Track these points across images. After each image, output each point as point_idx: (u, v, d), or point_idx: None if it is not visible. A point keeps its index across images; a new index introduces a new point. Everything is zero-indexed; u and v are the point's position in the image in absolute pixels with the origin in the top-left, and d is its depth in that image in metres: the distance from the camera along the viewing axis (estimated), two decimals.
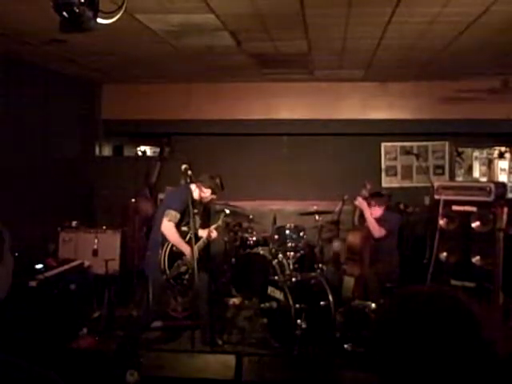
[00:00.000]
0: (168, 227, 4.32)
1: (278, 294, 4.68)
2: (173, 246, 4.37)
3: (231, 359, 3.51)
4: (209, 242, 4.91)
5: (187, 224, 4.51)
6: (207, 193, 4.59)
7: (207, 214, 6.03)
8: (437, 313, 1.03)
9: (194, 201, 4.50)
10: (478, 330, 1.02)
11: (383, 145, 7.21)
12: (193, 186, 4.51)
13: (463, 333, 1.00)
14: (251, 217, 6.64)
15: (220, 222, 5.03)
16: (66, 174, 6.37)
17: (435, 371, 0.99)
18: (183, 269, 4.41)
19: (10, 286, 1.29)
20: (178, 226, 4.40)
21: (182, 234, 4.44)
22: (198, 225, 4.68)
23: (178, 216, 4.36)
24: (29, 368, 1.00)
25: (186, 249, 4.39)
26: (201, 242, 4.63)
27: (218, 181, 4.64)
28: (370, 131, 6.96)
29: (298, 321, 4.38)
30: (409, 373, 1.02)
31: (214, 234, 4.81)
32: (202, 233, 4.76)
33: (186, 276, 4.44)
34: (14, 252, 1.31)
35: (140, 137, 8.04)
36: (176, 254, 4.39)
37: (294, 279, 4.85)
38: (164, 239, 4.36)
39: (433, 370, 0.99)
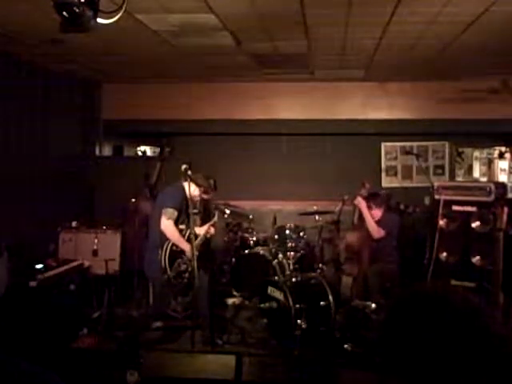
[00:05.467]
0: (168, 225, 4.32)
1: (278, 294, 4.68)
2: (173, 245, 4.37)
3: (231, 359, 3.51)
4: (209, 240, 4.91)
5: (183, 222, 4.53)
6: (195, 191, 4.53)
7: (207, 213, 6.03)
8: (444, 311, 1.03)
9: (187, 199, 4.51)
10: (488, 326, 1.01)
11: (383, 145, 7.20)
12: (185, 184, 4.52)
13: (473, 330, 1.00)
14: (251, 217, 6.64)
15: (216, 218, 5.03)
16: (66, 173, 6.37)
17: (445, 370, 0.99)
18: (183, 267, 4.42)
19: (6, 285, 1.29)
20: (175, 224, 4.40)
21: (180, 233, 4.44)
22: (198, 224, 4.69)
23: (176, 213, 4.36)
24: (29, 368, 1.00)
25: (186, 246, 4.41)
26: (198, 240, 4.62)
27: (211, 181, 4.63)
28: (370, 131, 6.96)
29: (298, 321, 4.38)
30: (417, 372, 1.01)
31: (212, 231, 4.81)
32: (200, 231, 4.76)
33: (186, 274, 4.44)
34: (10, 251, 1.31)
35: (140, 137, 8.04)
36: (176, 253, 4.40)
37: (293, 279, 4.85)
38: (163, 239, 4.36)
39: (443, 368, 0.99)
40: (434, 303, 1.04)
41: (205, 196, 4.71)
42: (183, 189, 4.52)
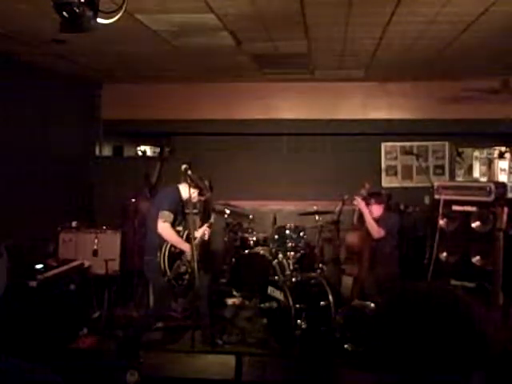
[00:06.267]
0: (165, 228, 4.32)
1: (278, 294, 4.68)
2: (171, 246, 4.36)
3: (231, 359, 3.52)
4: (208, 241, 4.90)
5: (180, 223, 4.53)
6: (194, 193, 4.51)
7: (207, 214, 6.03)
8: (432, 306, 1.05)
9: (183, 200, 4.51)
10: (473, 323, 1.03)
11: (383, 145, 7.20)
12: (181, 186, 4.52)
13: (458, 325, 1.02)
14: (251, 217, 6.64)
15: (212, 220, 5.01)
16: (66, 173, 6.37)
17: (431, 363, 1.01)
18: (183, 269, 4.42)
19: (5, 285, 1.29)
20: (172, 225, 4.40)
21: (178, 234, 4.44)
22: (197, 224, 4.69)
23: (172, 216, 4.35)
24: (30, 368, 1.00)
25: (185, 247, 4.40)
26: (196, 242, 4.60)
27: (206, 182, 4.62)
28: (370, 131, 6.96)
29: (298, 321, 4.38)
30: (406, 365, 1.03)
31: (208, 233, 4.79)
32: (197, 233, 4.75)
33: (186, 276, 4.44)
34: (10, 251, 1.31)
35: (140, 137, 8.04)
36: (175, 255, 4.39)
37: (294, 279, 4.85)
38: (161, 241, 4.35)
39: (429, 361, 1.01)
40: (423, 301, 1.06)
41: (201, 197, 4.70)
42: (178, 190, 4.53)
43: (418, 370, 1.02)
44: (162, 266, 4.28)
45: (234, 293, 5.97)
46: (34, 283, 4.28)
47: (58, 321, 4.47)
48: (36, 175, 5.70)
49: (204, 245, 4.91)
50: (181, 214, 4.56)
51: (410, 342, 1.03)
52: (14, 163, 5.32)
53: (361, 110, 6.98)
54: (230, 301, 5.88)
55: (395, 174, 7.23)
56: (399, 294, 1.12)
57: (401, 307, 1.08)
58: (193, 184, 4.42)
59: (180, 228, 4.53)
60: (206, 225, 4.84)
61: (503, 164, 7.40)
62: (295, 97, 7.06)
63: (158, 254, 4.31)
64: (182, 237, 4.47)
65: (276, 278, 5.02)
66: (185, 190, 4.49)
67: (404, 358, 1.04)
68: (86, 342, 4.61)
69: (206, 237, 4.79)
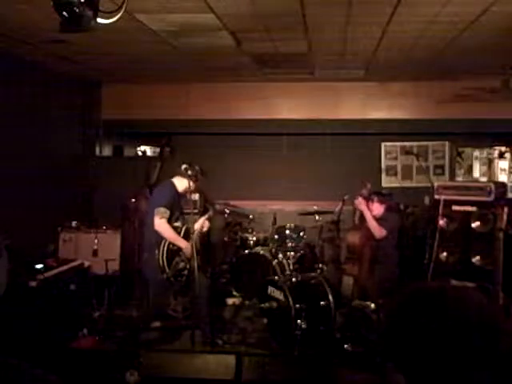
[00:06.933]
0: (161, 225, 4.30)
1: (278, 294, 4.68)
2: (169, 243, 4.35)
3: (231, 359, 3.51)
4: (208, 239, 4.87)
5: (178, 219, 4.51)
6: (188, 183, 4.46)
7: (205, 209, 6.02)
8: (445, 308, 1.03)
9: (179, 194, 4.50)
10: (491, 321, 1.02)
11: (383, 145, 7.20)
12: (175, 180, 4.51)
13: (476, 325, 1.00)
14: (251, 217, 6.64)
15: (211, 213, 4.98)
16: (66, 173, 6.37)
17: (448, 365, 0.99)
18: (181, 265, 4.40)
19: (6, 284, 1.29)
20: (169, 222, 4.39)
21: (176, 230, 4.43)
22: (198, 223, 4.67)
23: (168, 212, 4.34)
24: (30, 369, 1.00)
25: (183, 243, 4.39)
26: (194, 235, 4.57)
27: (197, 168, 4.54)
28: (370, 131, 6.96)
29: (298, 321, 4.38)
30: (421, 369, 1.02)
31: (207, 225, 4.74)
32: (197, 224, 4.68)
33: (185, 272, 4.43)
34: (10, 251, 1.31)
35: (140, 137, 8.04)
36: (173, 252, 4.38)
37: (294, 279, 4.85)
38: (158, 238, 4.34)
39: (445, 363, 0.99)
40: (435, 301, 1.05)
41: (197, 184, 4.64)
42: (173, 185, 4.51)
43: (431, 370, 1.01)
44: (161, 263, 4.27)
45: (234, 293, 5.97)
46: (33, 283, 4.28)
47: (57, 321, 4.47)
48: (36, 175, 5.69)
49: (203, 239, 4.87)
50: (178, 209, 4.54)
51: (425, 342, 1.02)
52: (13, 163, 5.31)
53: (361, 110, 6.97)
54: (229, 301, 5.88)
55: (395, 174, 7.23)
56: (410, 295, 1.11)
57: (414, 307, 1.07)
58: (195, 187, 4.41)
59: (178, 224, 4.51)
60: (203, 217, 4.77)
61: (503, 164, 7.40)
62: (295, 97, 7.06)
63: (156, 252, 4.29)
64: (179, 233, 4.46)
65: (276, 278, 5.02)
66: (180, 183, 4.50)
67: (417, 358, 1.02)
68: (86, 342, 4.61)
69: (205, 228, 4.72)
